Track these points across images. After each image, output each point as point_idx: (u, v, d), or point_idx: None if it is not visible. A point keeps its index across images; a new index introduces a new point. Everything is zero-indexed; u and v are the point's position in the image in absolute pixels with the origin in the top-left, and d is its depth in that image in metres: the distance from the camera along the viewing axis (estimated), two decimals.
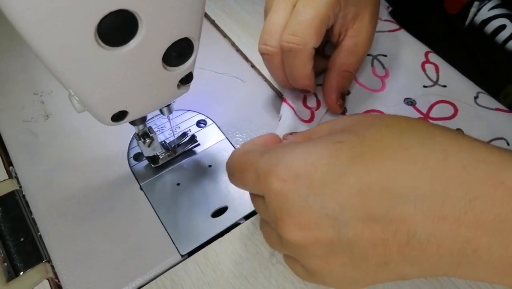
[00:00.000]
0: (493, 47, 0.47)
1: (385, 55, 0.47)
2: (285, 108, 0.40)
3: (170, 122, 0.38)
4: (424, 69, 0.45)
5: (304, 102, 0.42)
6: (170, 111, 0.34)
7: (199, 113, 0.43)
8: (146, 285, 0.33)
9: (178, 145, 0.39)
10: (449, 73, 0.45)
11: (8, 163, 0.40)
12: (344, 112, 0.42)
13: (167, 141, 0.40)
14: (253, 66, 0.47)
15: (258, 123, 0.42)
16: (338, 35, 0.39)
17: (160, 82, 0.27)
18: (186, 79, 0.29)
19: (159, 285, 0.33)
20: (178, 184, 0.38)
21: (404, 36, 0.48)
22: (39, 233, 0.36)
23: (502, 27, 0.46)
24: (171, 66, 0.27)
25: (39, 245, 0.35)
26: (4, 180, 0.39)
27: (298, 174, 0.24)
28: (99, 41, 0.22)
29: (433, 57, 0.46)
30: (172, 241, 0.35)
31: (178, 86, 0.29)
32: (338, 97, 0.40)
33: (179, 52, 0.26)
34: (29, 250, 0.35)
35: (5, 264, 0.34)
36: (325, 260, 0.25)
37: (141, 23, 0.23)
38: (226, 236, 0.35)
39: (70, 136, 0.41)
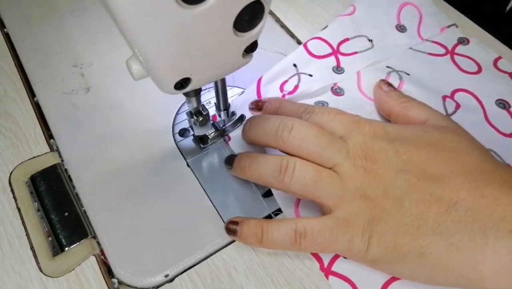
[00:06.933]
0: None
1: (408, 74, 0.40)
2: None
3: (220, 97, 0.36)
4: (443, 99, 0.38)
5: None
6: (223, 85, 0.33)
7: (246, 90, 0.41)
8: (197, 265, 0.31)
9: (227, 124, 0.38)
10: (466, 118, 0.36)
11: (48, 136, 0.38)
12: None
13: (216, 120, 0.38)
14: (299, 42, 0.45)
15: None
16: None
17: (228, 49, 0.26)
18: (251, 48, 0.27)
19: (210, 266, 0.31)
20: None
21: (443, 64, 0.41)
22: (83, 208, 0.34)
23: None
24: (241, 32, 0.25)
25: (83, 220, 0.34)
26: (46, 153, 0.37)
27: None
28: None
29: (461, 97, 0.39)
30: (223, 220, 0.33)
31: (243, 55, 0.27)
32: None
33: (250, 16, 0.24)
34: (73, 225, 0.33)
35: (50, 238, 0.33)
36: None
37: None
38: (279, 216, 0.34)
39: (112, 109, 0.40)
